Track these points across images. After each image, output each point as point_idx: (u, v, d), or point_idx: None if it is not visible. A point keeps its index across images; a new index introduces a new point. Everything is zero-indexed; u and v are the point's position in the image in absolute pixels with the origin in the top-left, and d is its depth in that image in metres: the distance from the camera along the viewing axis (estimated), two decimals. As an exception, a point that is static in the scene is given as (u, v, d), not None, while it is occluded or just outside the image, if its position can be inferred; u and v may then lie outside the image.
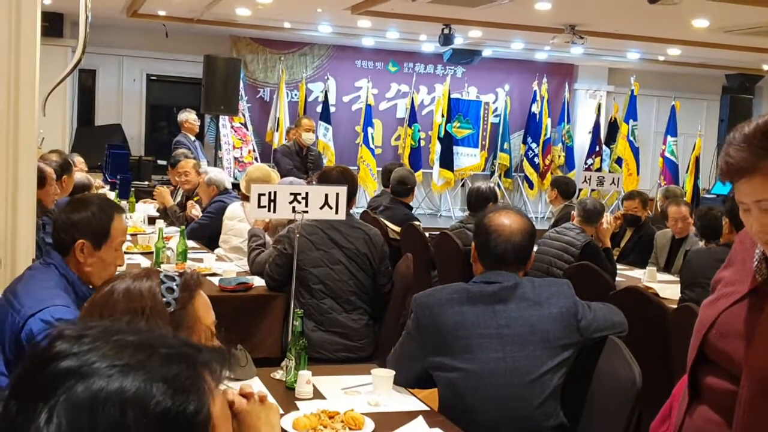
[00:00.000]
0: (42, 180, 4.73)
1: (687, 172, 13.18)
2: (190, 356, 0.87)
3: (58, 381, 0.82)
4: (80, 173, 6.71)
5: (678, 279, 5.42)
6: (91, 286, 2.88)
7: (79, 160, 7.78)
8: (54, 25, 11.06)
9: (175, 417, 0.81)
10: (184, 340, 0.90)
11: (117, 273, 2.00)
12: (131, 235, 6.43)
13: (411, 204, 7.25)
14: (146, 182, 10.51)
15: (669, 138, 13.53)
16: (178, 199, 7.66)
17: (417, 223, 6.83)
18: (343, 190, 4.03)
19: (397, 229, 6.71)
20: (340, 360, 4.34)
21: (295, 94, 13.31)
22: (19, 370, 0.88)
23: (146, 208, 7.92)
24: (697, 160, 12.96)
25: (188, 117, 9.93)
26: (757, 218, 1.78)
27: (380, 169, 9.46)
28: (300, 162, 9.11)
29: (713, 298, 1.99)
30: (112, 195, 7.92)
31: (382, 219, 6.85)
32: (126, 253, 5.54)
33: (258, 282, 4.69)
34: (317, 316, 4.37)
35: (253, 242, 5.09)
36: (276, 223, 5.37)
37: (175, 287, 1.88)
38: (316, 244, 4.39)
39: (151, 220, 7.09)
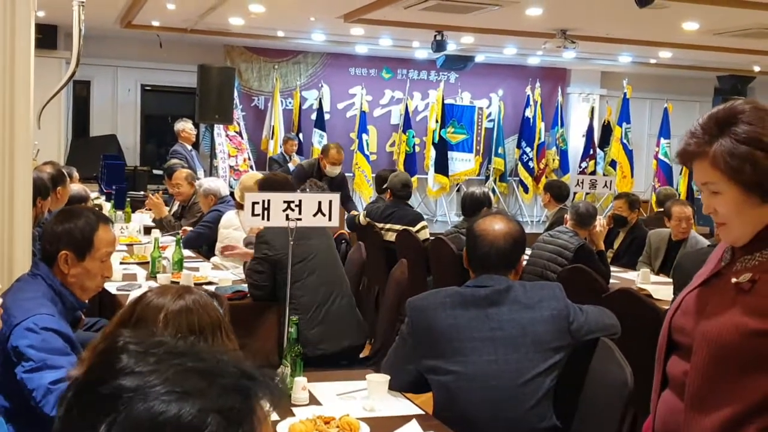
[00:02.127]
0: (46, 191, 4.78)
1: (681, 173, 13.23)
2: (247, 388, 0.90)
3: (121, 397, 0.86)
4: (77, 185, 6.73)
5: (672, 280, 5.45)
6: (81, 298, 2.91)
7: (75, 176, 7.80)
8: (48, 36, 11.08)
9: None
10: (242, 370, 0.92)
11: (155, 287, 2.02)
12: (127, 245, 6.46)
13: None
14: (142, 192, 10.53)
15: (662, 140, 13.59)
16: (174, 208, 7.69)
17: (424, 223, 6.92)
18: (336, 197, 4.06)
19: (399, 228, 6.80)
20: (344, 350, 4.43)
21: (290, 102, 13.35)
22: (83, 376, 0.92)
23: (142, 218, 7.93)
24: (691, 161, 12.99)
25: (185, 126, 9.95)
26: (704, 199, 1.91)
27: (375, 175, 9.47)
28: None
29: (688, 286, 2.07)
30: (107, 206, 7.94)
31: (388, 224, 6.93)
32: (122, 263, 5.58)
33: (254, 290, 4.71)
34: (314, 311, 4.41)
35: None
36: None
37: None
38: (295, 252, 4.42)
39: (147, 230, 7.12)
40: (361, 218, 7.31)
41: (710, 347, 1.86)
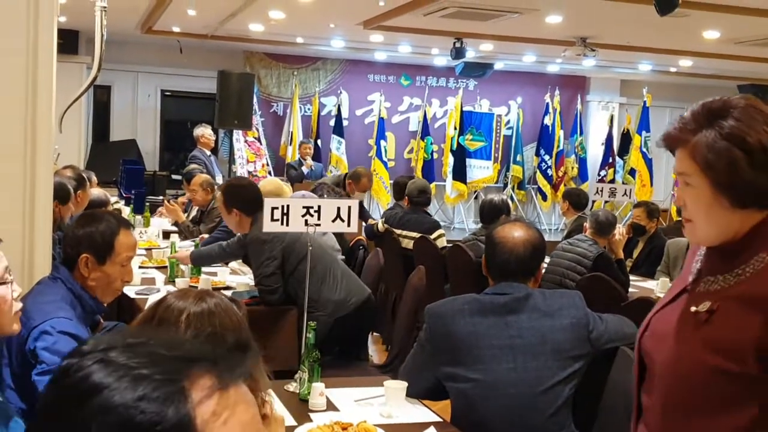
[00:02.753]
0: (66, 196, 4.81)
1: (700, 183, 13.13)
2: (176, 369, 0.85)
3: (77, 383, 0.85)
4: (98, 189, 6.78)
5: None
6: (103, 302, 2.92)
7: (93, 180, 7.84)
8: (69, 42, 11.17)
9: (143, 427, 0.81)
10: (176, 356, 0.87)
11: (174, 291, 2.03)
12: (146, 249, 6.49)
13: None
14: (161, 197, 10.56)
15: (682, 149, 13.49)
16: (193, 214, 7.72)
17: (441, 231, 6.91)
18: (354, 203, 4.07)
19: (416, 235, 6.79)
20: (369, 298, 4.62)
21: (308, 109, 13.38)
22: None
23: (161, 222, 7.97)
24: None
25: (204, 132, 9.99)
26: (678, 190, 1.85)
27: (393, 181, 9.48)
28: None
29: (661, 300, 1.99)
30: (126, 210, 7.98)
31: (405, 231, 6.93)
32: (141, 267, 5.60)
33: (271, 295, 4.71)
34: (330, 276, 4.50)
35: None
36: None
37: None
38: (293, 236, 4.45)
39: (166, 235, 7.14)
40: (380, 225, 7.31)
41: (669, 380, 1.78)
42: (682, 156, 1.78)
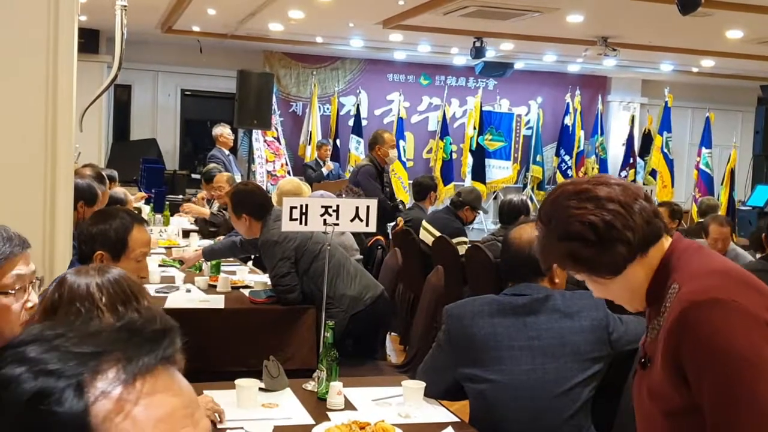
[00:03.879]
0: (94, 198, 4.86)
1: (722, 183, 13.04)
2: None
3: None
4: (119, 189, 6.82)
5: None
6: None
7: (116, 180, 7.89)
8: (90, 41, 11.24)
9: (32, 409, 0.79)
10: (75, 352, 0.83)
11: (69, 271, 2.05)
12: (165, 247, 6.51)
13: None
14: (180, 196, 10.62)
15: (704, 150, 13.40)
16: (214, 210, 7.75)
17: (464, 239, 6.85)
18: (373, 203, 4.06)
19: (436, 233, 6.78)
20: (382, 294, 4.62)
21: (327, 108, 13.39)
22: None
23: (181, 221, 8.00)
24: (732, 171, 12.81)
25: (223, 131, 10.02)
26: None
27: (412, 181, 9.47)
28: (380, 184, 7.54)
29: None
30: (147, 209, 8.02)
31: (429, 226, 6.92)
32: (160, 266, 5.61)
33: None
34: (343, 272, 4.52)
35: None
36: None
37: None
38: (304, 234, 4.46)
39: (185, 233, 7.17)
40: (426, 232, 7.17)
41: (642, 419, 1.84)
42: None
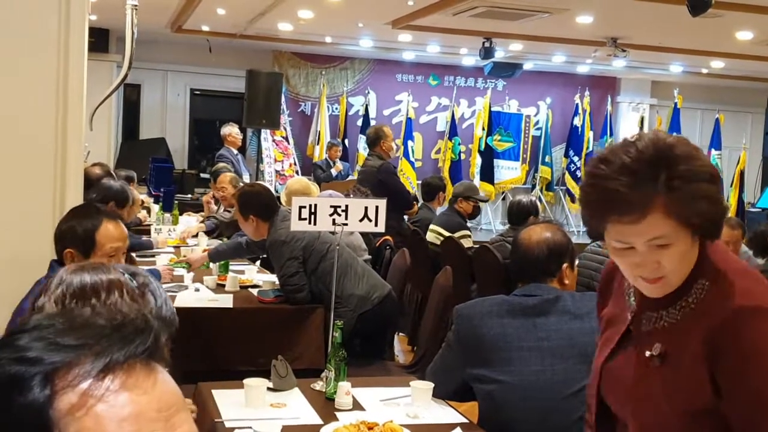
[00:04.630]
0: (125, 201, 4.90)
1: (731, 185, 13.00)
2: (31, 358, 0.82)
3: None
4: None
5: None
6: None
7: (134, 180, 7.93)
8: (100, 40, 11.26)
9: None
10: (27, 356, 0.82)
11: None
12: (174, 247, 6.51)
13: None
14: (189, 195, 10.63)
15: (713, 151, 13.36)
16: (220, 211, 7.75)
17: (466, 232, 6.88)
18: (382, 203, 4.06)
19: (444, 232, 6.78)
20: (389, 293, 4.63)
21: (336, 108, 13.40)
22: None
23: (189, 220, 8.00)
24: (742, 173, 12.78)
25: (231, 131, 10.03)
26: (644, 256, 1.64)
27: (420, 182, 9.47)
28: None
29: (602, 339, 1.93)
30: (156, 208, 8.03)
31: (434, 226, 6.93)
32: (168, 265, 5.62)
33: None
34: (351, 272, 4.52)
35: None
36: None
37: None
38: (312, 234, 4.47)
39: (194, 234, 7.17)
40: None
41: (643, 415, 1.73)
42: (652, 221, 1.58)
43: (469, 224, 7.21)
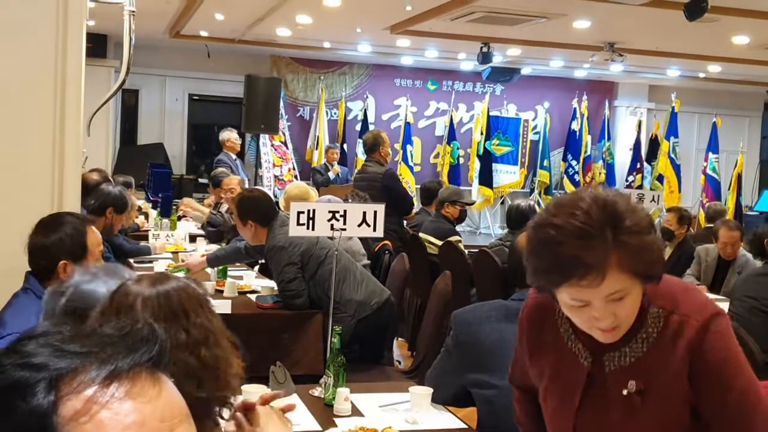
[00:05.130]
0: (124, 207, 4.89)
1: (729, 189, 12.99)
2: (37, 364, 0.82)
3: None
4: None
5: (721, 297, 5.42)
6: None
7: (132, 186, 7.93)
8: (98, 45, 11.26)
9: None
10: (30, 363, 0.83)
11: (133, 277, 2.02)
12: (172, 252, 6.51)
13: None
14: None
15: (710, 155, 13.35)
16: (223, 212, 7.75)
17: (458, 237, 6.88)
18: (381, 208, 4.05)
19: (436, 241, 6.76)
20: (389, 299, 4.60)
21: (335, 113, 13.41)
22: None
23: (188, 226, 8.00)
24: (740, 177, 12.77)
25: (230, 136, 10.03)
26: (601, 310, 1.68)
27: (419, 186, 9.46)
28: None
29: (555, 388, 1.92)
30: (154, 213, 8.02)
31: (423, 234, 6.91)
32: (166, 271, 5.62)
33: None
34: (350, 277, 4.52)
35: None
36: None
37: None
38: (310, 240, 4.46)
39: (192, 238, 7.16)
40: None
41: None
42: (610, 279, 1.62)
43: (467, 229, 7.22)
